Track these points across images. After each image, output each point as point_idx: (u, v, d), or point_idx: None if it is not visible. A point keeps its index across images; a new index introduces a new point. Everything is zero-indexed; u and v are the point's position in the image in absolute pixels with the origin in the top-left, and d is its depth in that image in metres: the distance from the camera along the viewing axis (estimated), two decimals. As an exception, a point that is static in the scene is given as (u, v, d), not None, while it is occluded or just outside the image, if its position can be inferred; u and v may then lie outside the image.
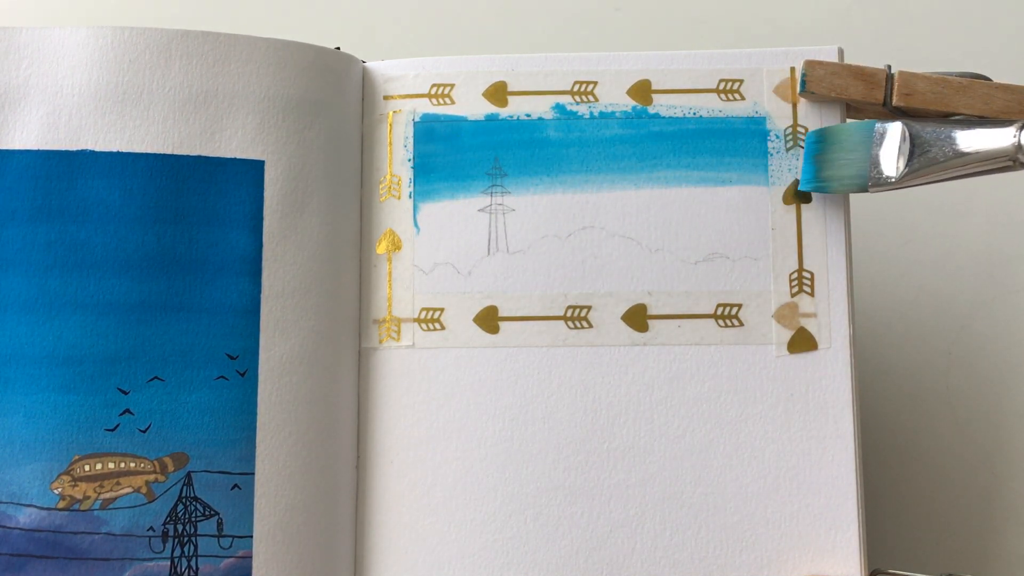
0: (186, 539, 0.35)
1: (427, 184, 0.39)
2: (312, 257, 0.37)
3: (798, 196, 0.38)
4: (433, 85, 0.39)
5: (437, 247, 0.38)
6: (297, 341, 0.37)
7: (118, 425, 0.35)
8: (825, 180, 0.37)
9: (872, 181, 0.36)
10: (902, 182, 0.36)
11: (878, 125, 0.36)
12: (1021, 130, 0.33)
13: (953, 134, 0.35)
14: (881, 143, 0.36)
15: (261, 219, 0.37)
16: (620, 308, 0.38)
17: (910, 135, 0.35)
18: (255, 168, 0.37)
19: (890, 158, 0.36)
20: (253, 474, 0.36)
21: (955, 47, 0.52)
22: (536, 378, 0.38)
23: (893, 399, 0.48)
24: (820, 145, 0.38)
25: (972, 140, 0.34)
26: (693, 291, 0.38)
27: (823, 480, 0.37)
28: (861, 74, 0.38)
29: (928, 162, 0.35)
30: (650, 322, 0.38)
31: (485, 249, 0.38)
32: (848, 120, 0.38)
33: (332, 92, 0.38)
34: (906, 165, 0.35)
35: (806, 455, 0.37)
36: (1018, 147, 0.33)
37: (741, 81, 0.39)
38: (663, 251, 0.38)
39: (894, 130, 0.36)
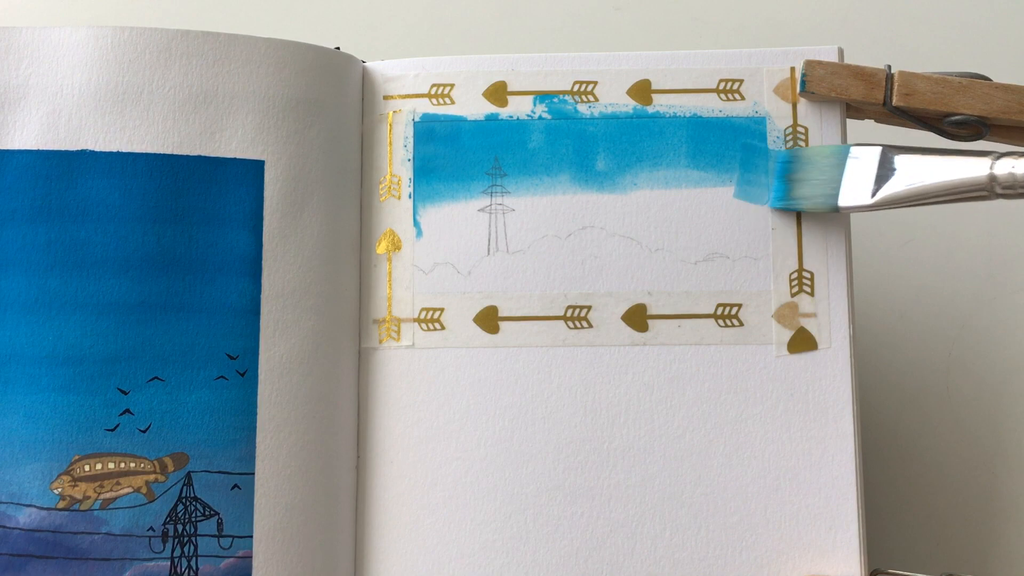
0: (186, 539, 0.35)
1: (427, 184, 0.39)
2: (312, 257, 0.37)
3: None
4: (433, 85, 0.39)
5: (437, 247, 0.38)
6: (297, 341, 0.37)
7: (118, 425, 0.35)
8: (796, 199, 0.37)
9: (844, 202, 0.36)
10: (876, 207, 0.36)
11: (854, 148, 0.37)
12: (996, 160, 0.33)
13: (930, 162, 0.34)
14: (857, 166, 0.36)
15: (261, 219, 0.37)
16: (620, 308, 0.38)
17: (887, 161, 0.35)
18: (255, 168, 0.37)
19: (865, 181, 0.36)
20: (253, 474, 0.36)
21: (955, 47, 0.52)
22: (536, 378, 0.38)
23: (893, 399, 0.48)
24: (793, 164, 0.38)
25: (948, 170, 0.34)
26: (693, 291, 0.38)
27: (823, 480, 0.37)
28: (861, 74, 0.38)
29: (903, 190, 0.35)
30: (650, 322, 0.38)
31: (485, 249, 0.38)
32: (824, 143, 0.38)
33: (332, 92, 0.38)
34: (880, 191, 0.35)
35: (806, 455, 0.37)
36: (992, 178, 0.33)
37: (741, 81, 0.39)
38: (663, 251, 0.38)
39: (871, 154, 0.36)
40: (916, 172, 0.34)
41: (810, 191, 0.37)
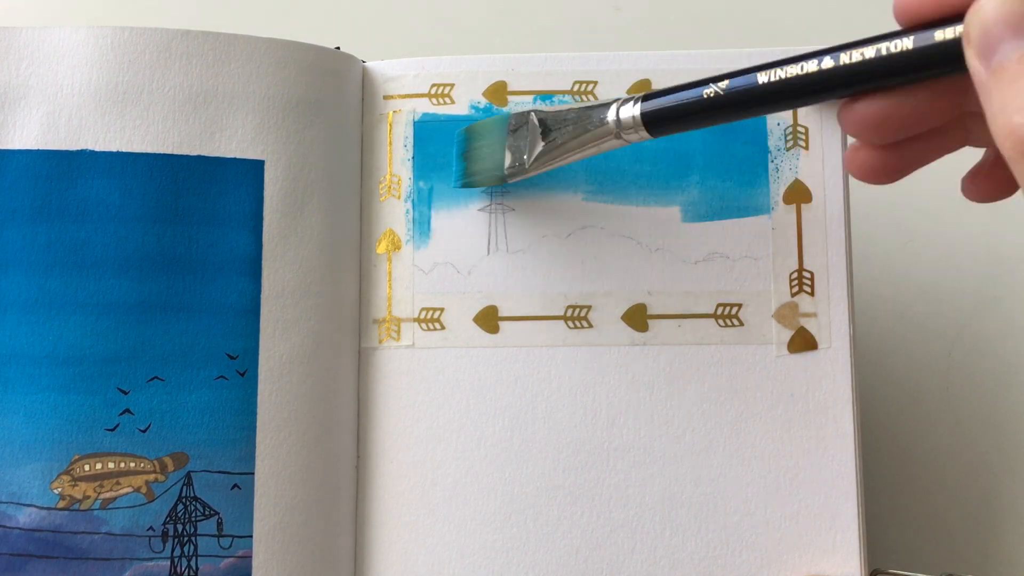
0: (186, 539, 0.35)
1: (427, 184, 0.39)
2: (312, 257, 0.37)
3: (797, 195, 0.38)
4: (433, 85, 0.39)
5: (437, 247, 0.38)
6: (297, 341, 0.37)
7: (118, 425, 0.35)
8: (471, 175, 0.38)
9: (508, 171, 0.37)
10: (532, 169, 0.36)
11: (512, 115, 0.37)
12: (621, 105, 0.34)
13: (569, 116, 0.35)
14: (515, 132, 0.37)
15: (261, 219, 0.37)
16: (620, 308, 0.38)
17: (538, 121, 0.36)
18: (255, 168, 0.37)
19: (522, 146, 0.36)
20: (253, 474, 0.36)
21: (955, 47, 0.51)
22: (536, 378, 0.38)
23: (893, 399, 0.48)
24: (465, 143, 0.38)
25: (584, 121, 0.35)
26: (693, 291, 0.38)
27: (823, 480, 0.37)
28: (861, 74, 0.38)
29: (551, 147, 0.36)
30: (650, 322, 0.38)
31: (485, 249, 0.38)
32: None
33: (332, 92, 0.38)
34: (532, 156, 0.36)
35: (806, 455, 0.37)
36: (617, 122, 0.34)
37: (741, 81, 0.39)
38: (663, 251, 0.38)
39: (525, 119, 0.36)
40: (559, 129, 0.35)
41: (480, 165, 0.38)
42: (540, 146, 0.36)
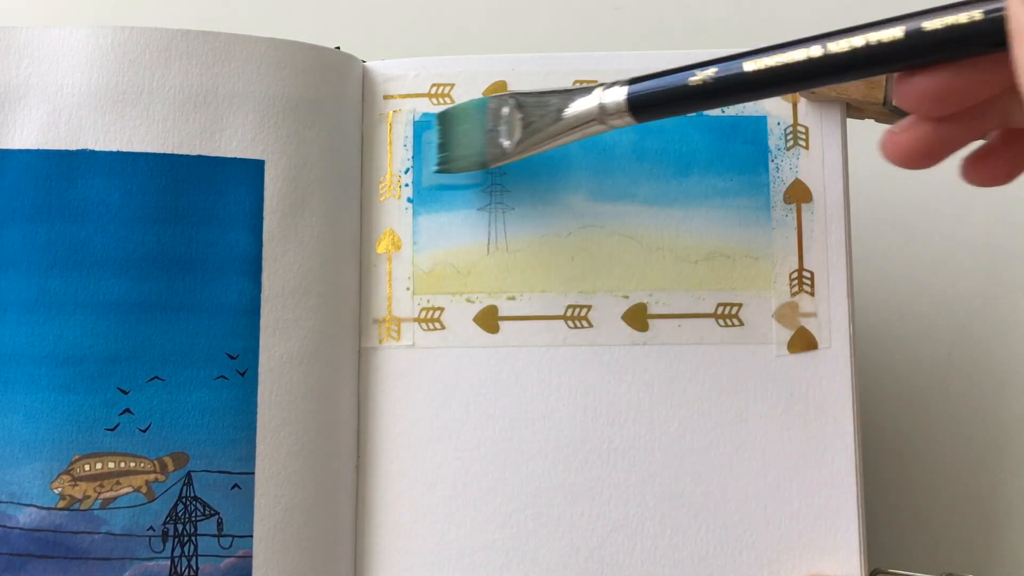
0: (186, 539, 0.35)
1: (427, 184, 0.39)
2: (312, 257, 0.37)
3: (798, 195, 0.38)
4: (433, 85, 0.39)
5: (437, 246, 0.38)
6: (297, 341, 0.37)
7: (118, 425, 0.35)
8: (450, 160, 0.38)
9: (490, 156, 0.36)
10: (516, 154, 0.36)
11: (491, 101, 0.37)
12: (605, 90, 0.33)
13: (552, 101, 0.35)
14: (495, 116, 0.36)
15: (261, 219, 0.37)
16: (620, 308, 0.38)
17: (519, 106, 0.35)
18: (255, 168, 0.37)
19: (502, 131, 0.36)
20: (253, 474, 0.36)
21: (955, 47, 0.51)
22: (536, 378, 0.38)
23: (893, 399, 0.48)
24: (441, 129, 0.38)
25: (566, 106, 0.34)
26: (693, 291, 0.38)
27: (823, 480, 0.37)
28: (861, 74, 0.38)
29: (533, 131, 0.35)
30: (650, 321, 0.38)
31: (485, 248, 0.38)
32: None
33: (332, 92, 0.38)
34: (517, 137, 0.35)
35: (806, 455, 0.37)
36: (601, 107, 0.33)
37: (741, 81, 0.39)
38: (663, 250, 0.38)
39: (505, 104, 0.36)
40: (540, 114, 0.35)
41: (460, 152, 0.37)
42: (520, 132, 0.35)
